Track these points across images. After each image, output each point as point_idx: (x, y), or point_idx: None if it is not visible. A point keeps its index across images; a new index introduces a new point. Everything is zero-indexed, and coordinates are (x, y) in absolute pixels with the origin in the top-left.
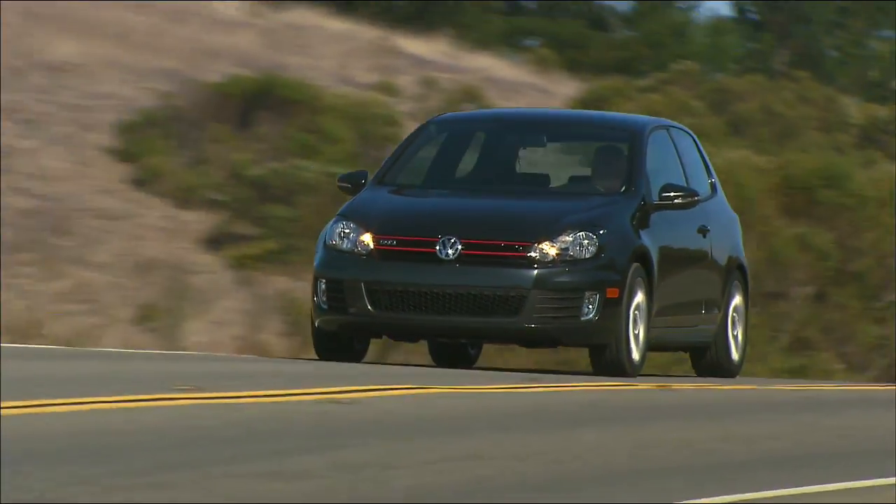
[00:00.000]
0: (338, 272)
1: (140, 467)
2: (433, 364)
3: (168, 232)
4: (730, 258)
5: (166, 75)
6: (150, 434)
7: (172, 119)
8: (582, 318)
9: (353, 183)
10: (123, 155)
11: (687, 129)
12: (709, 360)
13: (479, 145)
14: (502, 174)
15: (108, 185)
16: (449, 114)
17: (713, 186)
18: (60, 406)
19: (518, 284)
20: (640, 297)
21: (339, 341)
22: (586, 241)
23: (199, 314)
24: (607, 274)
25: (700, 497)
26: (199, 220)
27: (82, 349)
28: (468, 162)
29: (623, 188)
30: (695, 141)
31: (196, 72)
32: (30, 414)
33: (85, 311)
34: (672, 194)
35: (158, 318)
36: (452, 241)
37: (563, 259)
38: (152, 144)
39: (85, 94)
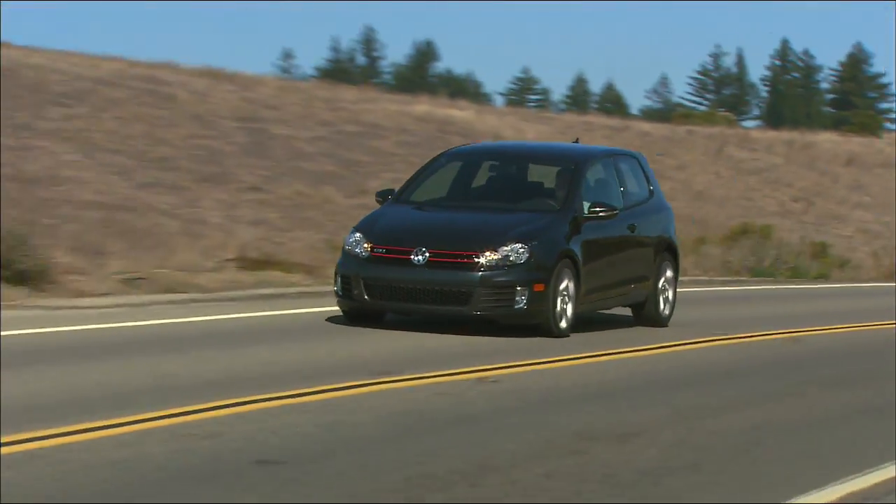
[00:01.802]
0: (348, 269)
1: None
2: None
3: None
4: (659, 243)
5: None
6: None
7: None
8: (515, 307)
9: (383, 197)
10: None
11: (635, 153)
12: (644, 313)
13: (478, 171)
14: (498, 190)
15: None
16: (458, 147)
17: (651, 192)
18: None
19: (468, 282)
20: (566, 284)
21: (351, 317)
22: (521, 250)
23: None
24: (536, 273)
25: None
26: None
27: None
28: (469, 183)
29: (562, 205)
30: (640, 162)
31: None
32: None
33: None
34: (598, 209)
35: None
36: (423, 250)
37: (504, 264)
38: None
39: None
